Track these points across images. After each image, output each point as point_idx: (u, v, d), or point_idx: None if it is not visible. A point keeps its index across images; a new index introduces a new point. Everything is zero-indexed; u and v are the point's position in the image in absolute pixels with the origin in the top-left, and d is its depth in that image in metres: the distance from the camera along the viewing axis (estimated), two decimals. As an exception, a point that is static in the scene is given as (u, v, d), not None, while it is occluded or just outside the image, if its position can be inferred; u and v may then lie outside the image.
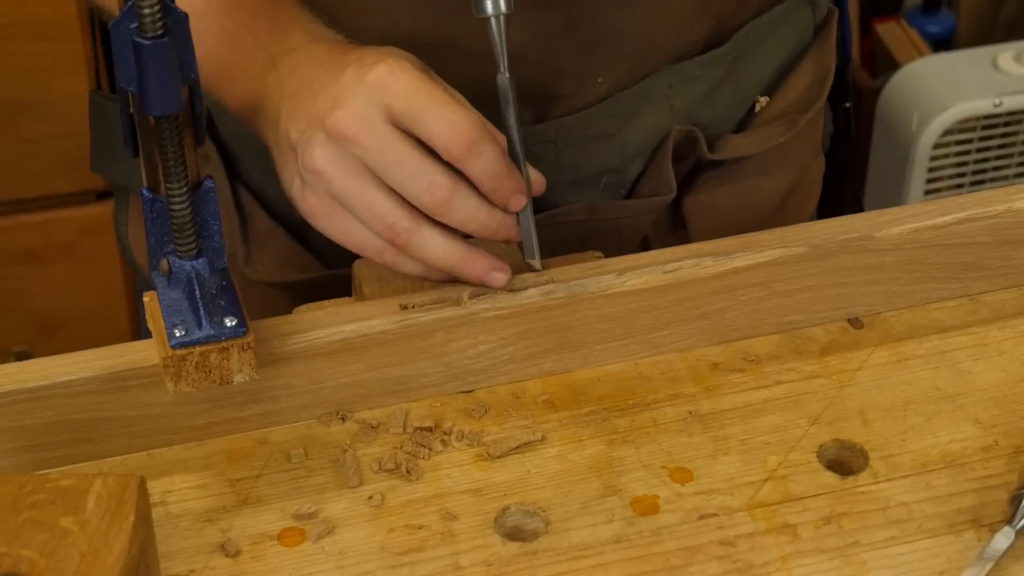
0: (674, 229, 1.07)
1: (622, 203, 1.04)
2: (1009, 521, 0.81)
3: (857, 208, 1.19)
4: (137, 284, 1.23)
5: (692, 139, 1.03)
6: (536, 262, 0.90)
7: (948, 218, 0.94)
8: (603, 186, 1.03)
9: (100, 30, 1.23)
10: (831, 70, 1.10)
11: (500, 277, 0.88)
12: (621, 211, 1.03)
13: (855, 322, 0.96)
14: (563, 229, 1.01)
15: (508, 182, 0.85)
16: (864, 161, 2.13)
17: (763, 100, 1.07)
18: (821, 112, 1.13)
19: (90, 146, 1.13)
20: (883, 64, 2.19)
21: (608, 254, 0.95)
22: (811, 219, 1.17)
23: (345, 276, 0.95)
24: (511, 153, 0.87)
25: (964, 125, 1.98)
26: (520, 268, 0.91)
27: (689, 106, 1.03)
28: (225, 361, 0.81)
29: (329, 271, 1.04)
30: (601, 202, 1.03)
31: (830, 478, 0.86)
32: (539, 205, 0.96)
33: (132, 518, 0.73)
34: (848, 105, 1.24)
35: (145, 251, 1.10)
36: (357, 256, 0.92)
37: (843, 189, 1.23)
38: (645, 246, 1.06)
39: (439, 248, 0.85)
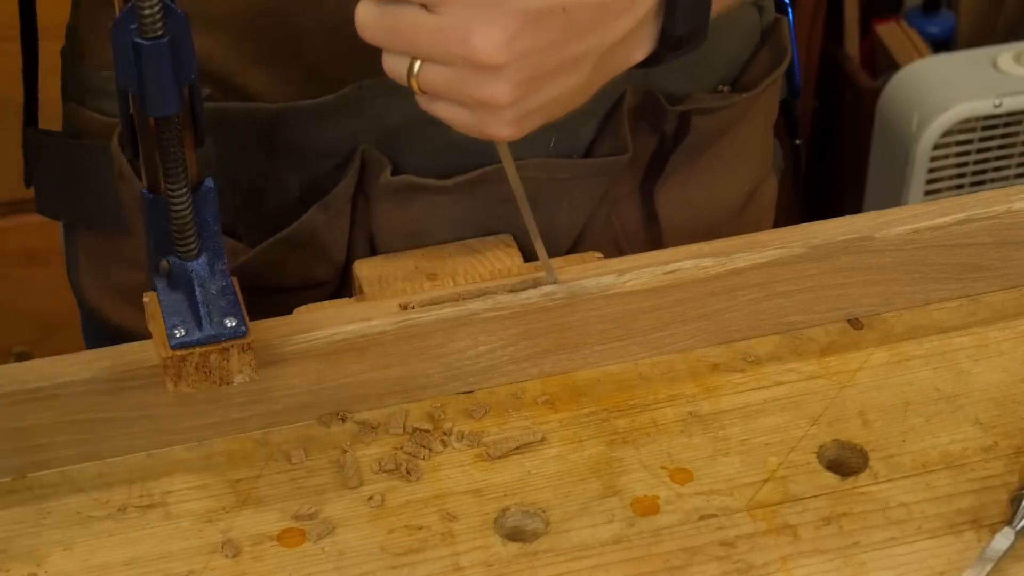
0: (647, 225, 1.05)
1: (577, 162, 1.01)
2: (1009, 521, 0.81)
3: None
4: (83, 325, 1.14)
5: (651, 102, 1.01)
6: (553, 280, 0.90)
7: (948, 219, 0.94)
8: (553, 145, 1.01)
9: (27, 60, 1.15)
10: (785, 61, 1.08)
11: None
12: (575, 170, 1.00)
13: (855, 323, 0.96)
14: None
15: None
16: (864, 161, 2.13)
17: (726, 89, 1.06)
18: (777, 91, 1.11)
19: (34, 189, 1.10)
20: (883, 64, 2.20)
21: (558, 219, 0.92)
22: None
23: (273, 248, 0.95)
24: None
25: (964, 126, 1.98)
26: (522, 270, 0.91)
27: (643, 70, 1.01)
28: (225, 362, 0.81)
29: (255, 249, 0.99)
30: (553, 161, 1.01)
31: (830, 479, 0.86)
32: (488, 159, 0.94)
33: None
34: (798, 142, 1.22)
35: (97, 293, 1.08)
36: (279, 226, 0.95)
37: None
38: (618, 249, 1.04)
39: None
